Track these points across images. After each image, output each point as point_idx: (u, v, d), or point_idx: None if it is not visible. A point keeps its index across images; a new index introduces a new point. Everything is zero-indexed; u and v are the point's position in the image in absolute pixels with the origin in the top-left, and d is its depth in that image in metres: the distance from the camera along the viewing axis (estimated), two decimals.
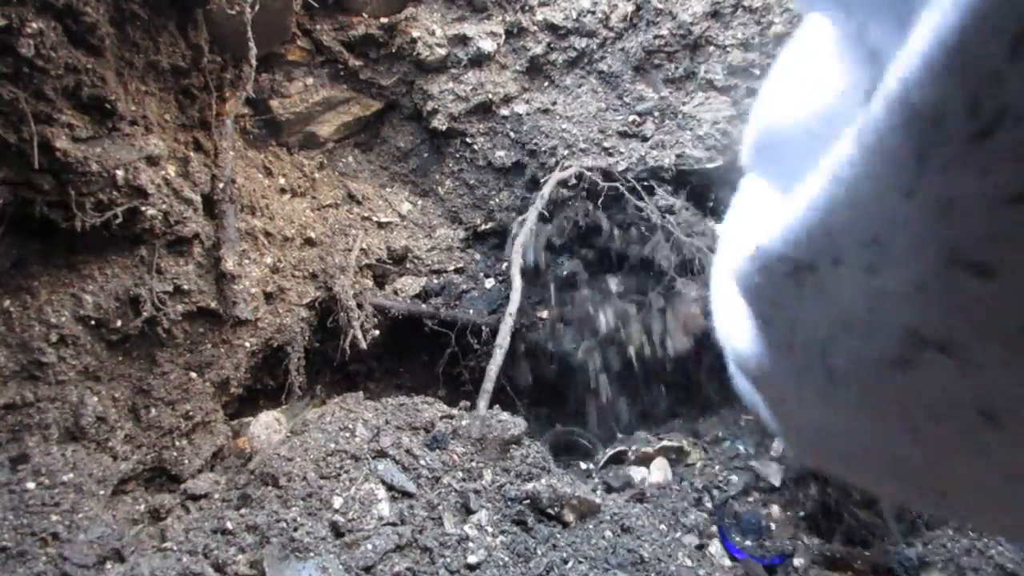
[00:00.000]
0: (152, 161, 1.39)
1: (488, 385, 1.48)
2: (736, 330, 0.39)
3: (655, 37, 1.84)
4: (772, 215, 0.32)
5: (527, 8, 1.90)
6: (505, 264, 2.11)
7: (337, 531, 1.16)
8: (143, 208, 1.38)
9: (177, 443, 1.51)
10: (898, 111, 0.24)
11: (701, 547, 1.45)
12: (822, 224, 0.28)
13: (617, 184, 1.92)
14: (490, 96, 1.96)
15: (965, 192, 0.24)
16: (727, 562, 1.42)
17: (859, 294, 0.29)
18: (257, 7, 1.49)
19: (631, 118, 1.94)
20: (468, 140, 2.04)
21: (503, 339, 1.57)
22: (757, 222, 0.38)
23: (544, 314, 2.05)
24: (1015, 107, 0.22)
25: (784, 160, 0.37)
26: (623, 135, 1.95)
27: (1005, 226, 0.24)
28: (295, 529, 1.15)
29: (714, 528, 1.51)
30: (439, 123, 1.98)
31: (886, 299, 0.28)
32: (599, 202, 1.95)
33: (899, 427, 0.32)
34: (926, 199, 0.26)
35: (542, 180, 1.97)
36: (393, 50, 1.93)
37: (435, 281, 2.02)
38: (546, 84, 1.99)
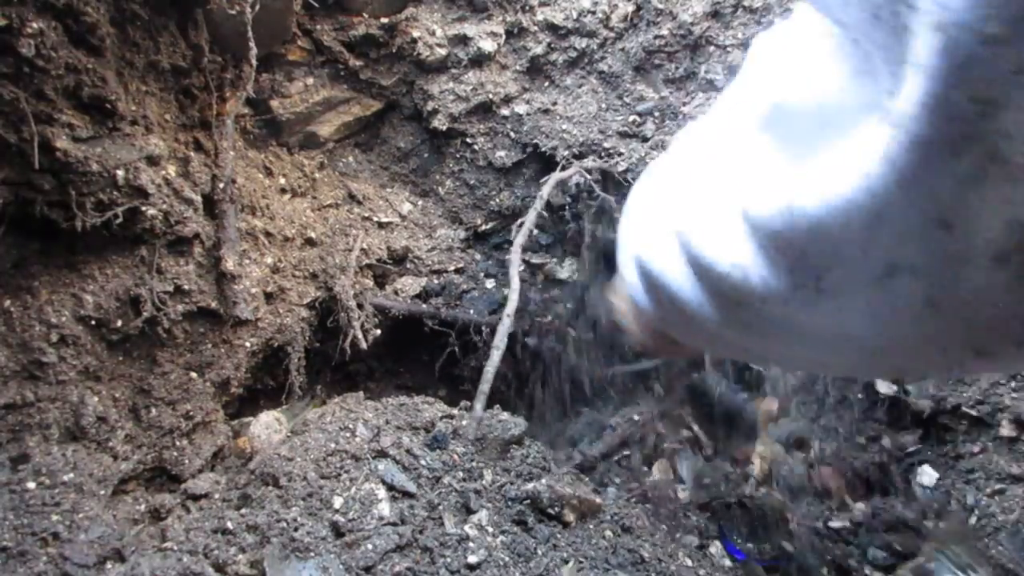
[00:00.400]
0: (152, 161, 1.39)
1: (485, 387, 1.47)
2: (743, 263, 0.48)
3: (655, 37, 1.84)
4: (801, 180, 0.42)
5: (527, 8, 1.90)
6: (506, 259, 2.12)
7: (337, 531, 1.16)
8: (143, 208, 1.38)
9: (177, 443, 1.51)
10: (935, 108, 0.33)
11: (702, 547, 1.45)
12: (870, 202, 0.38)
13: (616, 188, 1.93)
14: (490, 96, 1.96)
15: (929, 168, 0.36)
16: (727, 563, 1.42)
17: (856, 245, 0.40)
18: (257, 7, 1.49)
19: (631, 118, 1.94)
20: (468, 140, 2.04)
21: (500, 341, 1.57)
22: (769, 182, 0.46)
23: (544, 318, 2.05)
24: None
25: (795, 133, 0.46)
26: (623, 135, 1.95)
27: (962, 198, 0.36)
28: (295, 529, 1.15)
29: (714, 529, 1.51)
30: (439, 123, 1.98)
31: (874, 246, 0.40)
32: (599, 202, 1.95)
33: (863, 316, 0.44)
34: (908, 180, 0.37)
35: (542, 181, 1.97)
36: (393, 50, 1.93)
37: (435, 281, 2.02)
38: (546, 84, 2.00)
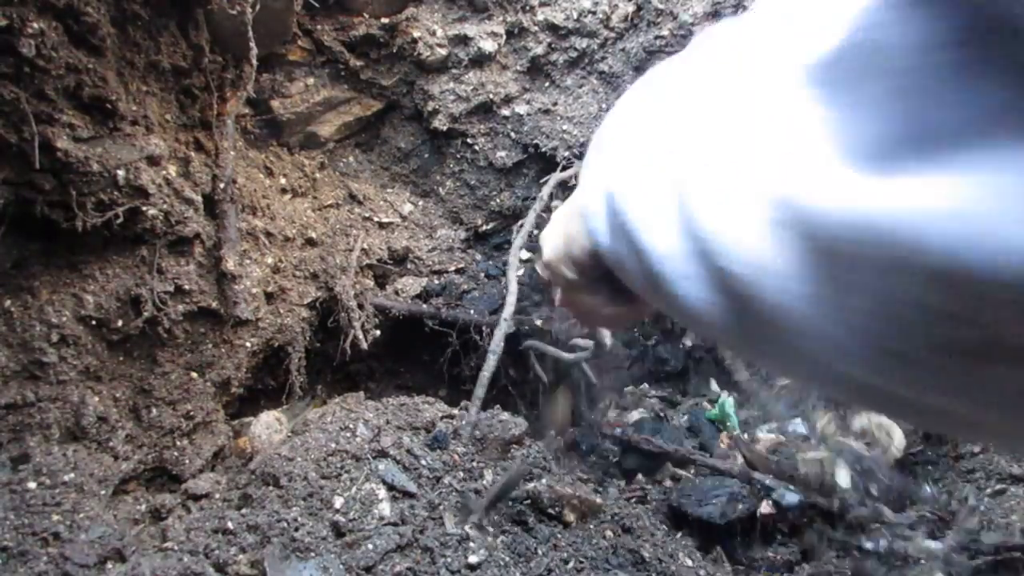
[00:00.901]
0: (153, 161, 1.39)
1: (480, 391, 1.47)
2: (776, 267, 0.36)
3: (656, 37, 1.84)
4: (875, 183, 0.30)
5: (528, 8, 1.91)
6: (505, 264, 2.12)
7: (338, 531, 1.16)
8: (144, 208, 1.38)
9: (178, 443, 1.51)
10: None
11: (702, 547, 1.45)
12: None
13: None
14: (491, 96, 1.96)
15: None
16: (728, 564, 1.42)
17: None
18: (258, 7, 1.49)
19: None
20: (469, 140, 2.04)
21: (496, 345, 1.56)
22: (813, 171, 0.34)
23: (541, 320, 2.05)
24: None
25: (852, 102, 0.33)
26: None
27: None
28: (296, 529, 1.15)
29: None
30: (440, 123, 1.98)
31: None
32: None
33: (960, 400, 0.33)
34: None
35: (542, 181, 1.97)
36: (394, 50, 1.93)
37: (436, 281, 2.02)
38: (547, 84, 2.00)
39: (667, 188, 0.43)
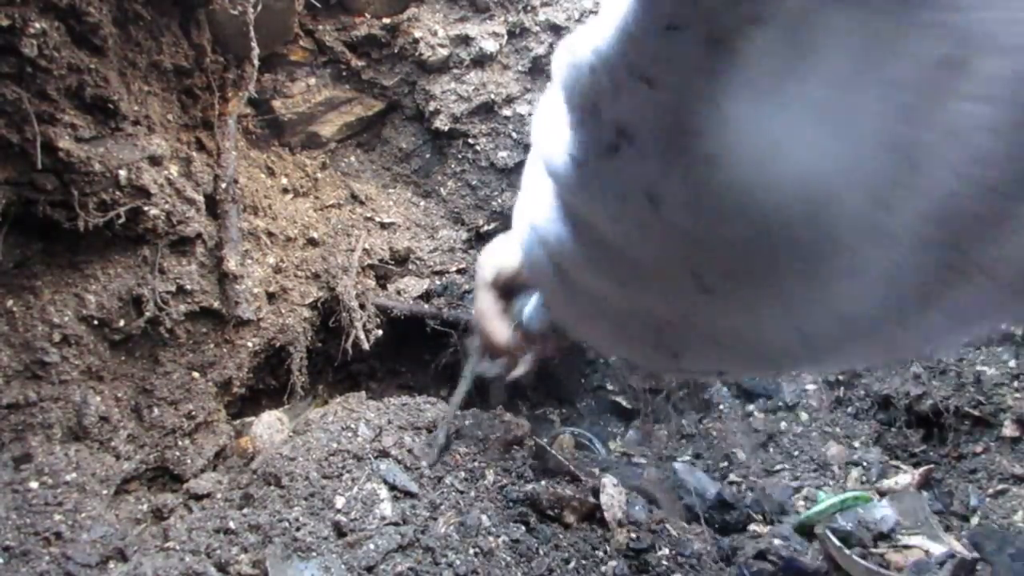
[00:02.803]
0: (155, 161, 1.39)
1: (453, 410, 1.44)
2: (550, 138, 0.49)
3: None
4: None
5: (529, 8, 1.90)
6: None
7: (339, 531, 1.16)
8: (146, 208, 1.38)
9: (180, 443, 1.51)
10: None
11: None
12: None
13: None
14: (492, 96, 1.96)
15: (640, 22, 0.33)
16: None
17: (588, 94, 0.39)
18: (260, 7, 1.50)
19: None
20: (470, 141, 2.04)
21: (468, 372, 1.52)
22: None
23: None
24: None
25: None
26: None
27: (661, 48, 0.33)
28: (298, 529, 1.15)
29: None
30: (441, 123, 1.98)
31: (605, 97, 0.38)
32: None
33: (607, 209, 0.42)
34: (623, 30, 0.34)
35: None
36: (395, 50, 1.93)
37: (437, 282, 2.02)
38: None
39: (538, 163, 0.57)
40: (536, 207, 0.58)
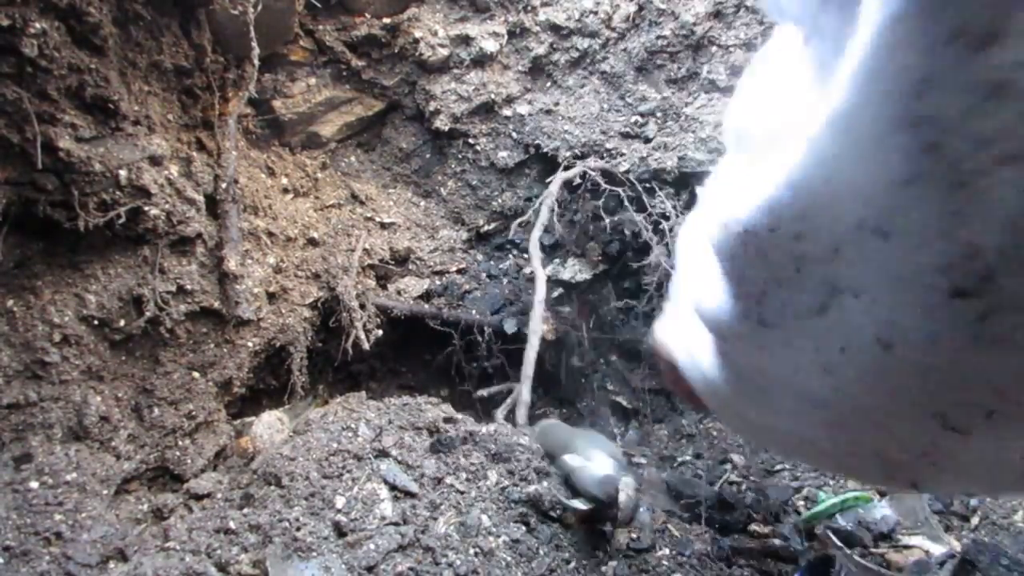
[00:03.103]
0: (155, 161, 1.39)
1: (528, 370, 1.53)
2: (704, 288, 0.46)
3: (658, 37, 1.83)
4: (743, 190, 0.38)
5: (529, 8, 1.90)
6: (506, 264, 2.11)
7: (340, 531, 1.16)
8: (146, 208, 1.38)
9: (180, 443, 1.51)
10: (863, 88, 0.29)
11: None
12: (793, 200, 0.34)
13: (619, 187, 1.93)
14: (492, 96, 1.96)
15: (871, 179, 0.31)
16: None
17: (788, 258, 0.37)
18: (260, 7, 1.50)
19: (633, 119, 1.94)
20: (471, 141, 2.04)
21: (536, 325, 1.63)
22: (730, 193, 0.42)
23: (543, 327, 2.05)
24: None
25: (757, 144, 0.42)
26: (625, 136, 1.95)
27: (898, 200, 0.31)
28: (298, 529, 1.15)
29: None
30: (442, 123, 1.98)
31: (812, 260, 0.35)
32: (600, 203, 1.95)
33: (813, 363, 0.40)
34: (847, 187, 0.32)
35: (547, 180, 1.97)
36: (396, 50, 1.93)
37: (438, 282, 2.02)
38: (548, 84, 1.99)
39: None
40: (697, 350, 0.56)
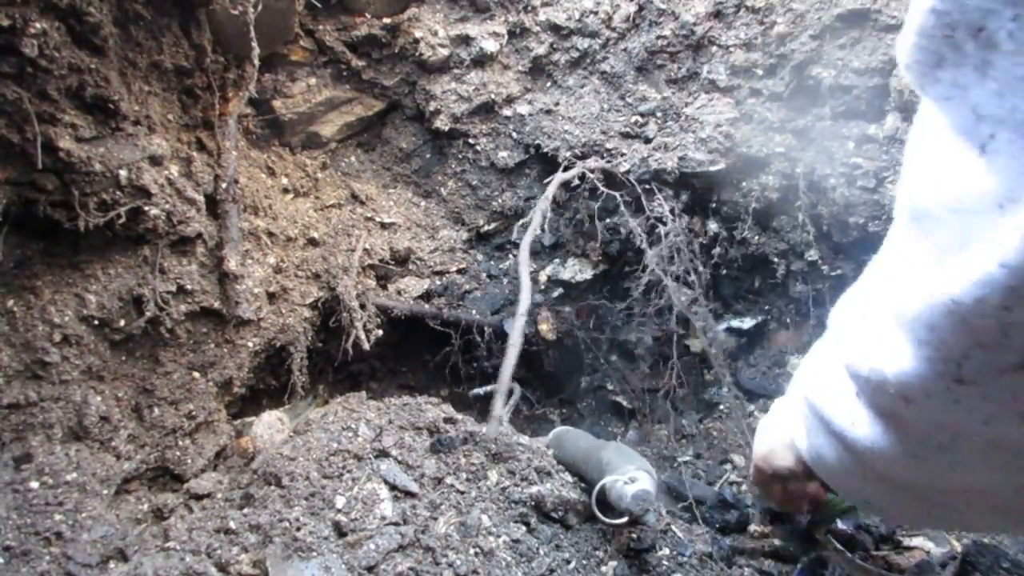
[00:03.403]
0: (155, 161, 1.39)
1: (503, 387, 1.47)
2: (884, 355, 0.49)
3: (658, 37, 1.83)
4: (946, 269, 0.42)
5: (530, 8, 1.90)
6: (506, 264, 2.11)
7: (340, 531, 1.16)
8: (146, 208, 1.38)
9: (180, 443, 1.51)
10: None
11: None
12: (1007, 278, 0.38)
13: (618, 187, 1.93)
14: (493, 96, 1.96)
15: None
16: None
17: (995, 325, 0.40)
18: (260, 7, 1.49)
19: (633, 119, 1.93)
20: (471, 141, 2.04)
21: (516, 338, 1.56)
22: (913, 277, 0.47)
23: (543, 327, 2.05)
24: None
25: (934, 232, 0.45)
26: (625, 136, 1.95)
27: None
28: (298, 529, 1.15)
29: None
30: (442, 123, 1.98)
31: (1016, 326, 0.39)
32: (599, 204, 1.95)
33: (1011, 411, 0.43)
34: None
35: (546, 181, 1.97)
36: (396, 50, 1.93)
37: (438, 282, 2.02)
38: (549, 84, 1.99)
39: (839, 368, 0.59)
40: (839, 416, 0.59)
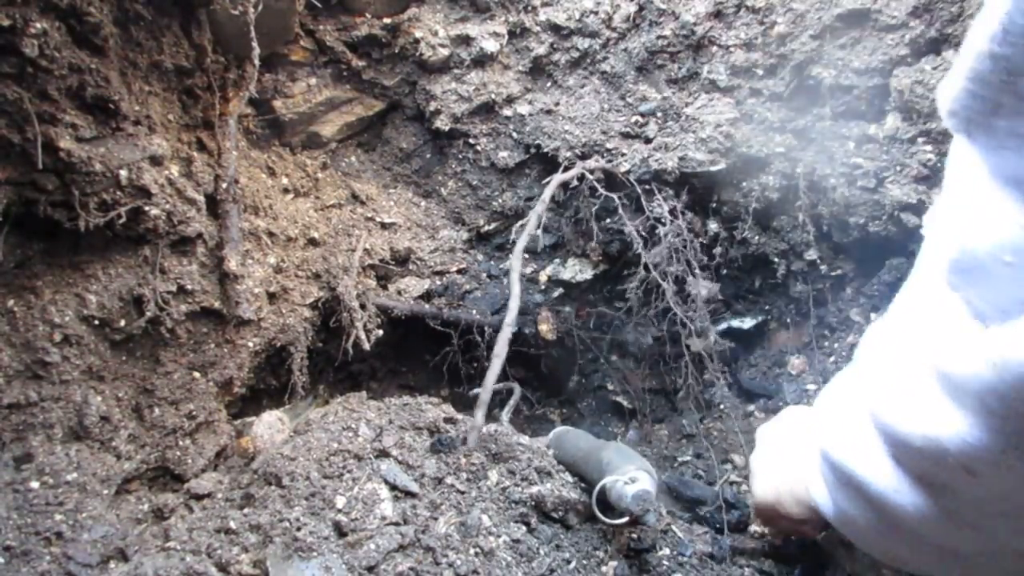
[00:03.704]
0: (155, 161, 1.39)
1: (485, 396, 1.43)
2: (942, 428, 0.47)
3: (658, 37, 1.83)
4: (1011, 332, 0.40)
5: (530, 8, 1.90)
6: (506, 264, 2.11)
7: (340, 531, 1.16)
8: (146, 208, 1.38)
9: (180, 443, 1.51)
10: None
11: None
12: None
13: (618, 188, 1.93)
14: (493, 96, 1.96)
15: None
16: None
17: None
18: (260, 7, 1.50)
19: (634, 119, 1.93)
20: (471, 141, 2.04)
21: (501, 349, 1.51)
22: (962, 337, 0.44)
23: (543, 327, 2.05)
24: None
25: (981, 283, 0.44)
26: (626, 136, 1.95)
27: None
28: (298, 529, 1.15)
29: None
30: (442, 123, 1.98)
31: None
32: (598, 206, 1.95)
33: None
34: None
35: (544, 182, 1.97)
36: (396, 50, 1.93)
37: (438, 282, 2.02)
38: (549, 85, 1.99)
39: (865, 423, 0.56)
40: (879, 481, 0.56)
